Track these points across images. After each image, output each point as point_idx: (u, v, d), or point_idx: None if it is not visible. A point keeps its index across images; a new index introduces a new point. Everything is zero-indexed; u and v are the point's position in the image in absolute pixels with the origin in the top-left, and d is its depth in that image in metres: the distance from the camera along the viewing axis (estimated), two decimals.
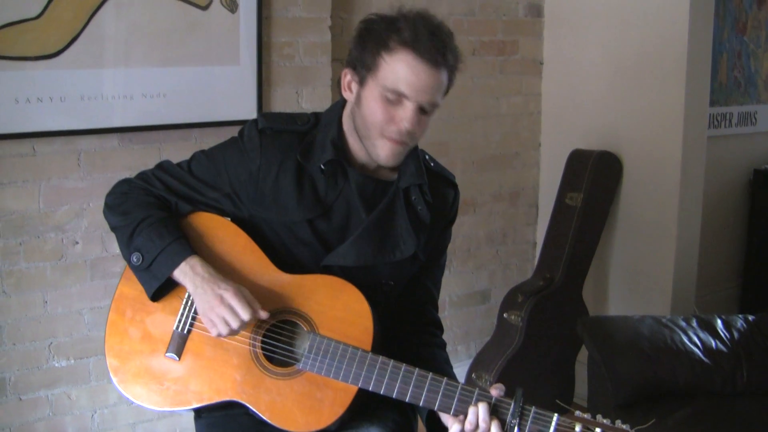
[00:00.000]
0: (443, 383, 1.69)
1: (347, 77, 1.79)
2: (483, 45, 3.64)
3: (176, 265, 1.77)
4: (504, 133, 3.81)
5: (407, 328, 1.96)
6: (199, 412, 1.89)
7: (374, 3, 3.27)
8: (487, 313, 3.87)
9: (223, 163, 1.86)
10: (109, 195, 1.91)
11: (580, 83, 3.74)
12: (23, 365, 2.63)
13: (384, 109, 1.72)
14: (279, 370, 1.77)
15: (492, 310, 3.82)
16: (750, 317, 2.95)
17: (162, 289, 1.81)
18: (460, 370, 3.67)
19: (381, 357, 1.71)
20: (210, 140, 2.55)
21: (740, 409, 2.65)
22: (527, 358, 3.44)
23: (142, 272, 1.80)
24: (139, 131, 2.69)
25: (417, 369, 1.70)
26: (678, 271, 3.47)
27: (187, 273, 1.77)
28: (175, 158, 1.95)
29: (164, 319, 1.84)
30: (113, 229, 1.87)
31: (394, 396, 1.70)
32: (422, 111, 1.74)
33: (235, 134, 1.91)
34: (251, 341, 1.79)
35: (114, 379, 1.83)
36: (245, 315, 1.72)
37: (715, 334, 2.84)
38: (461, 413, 1.67)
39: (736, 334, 2.85)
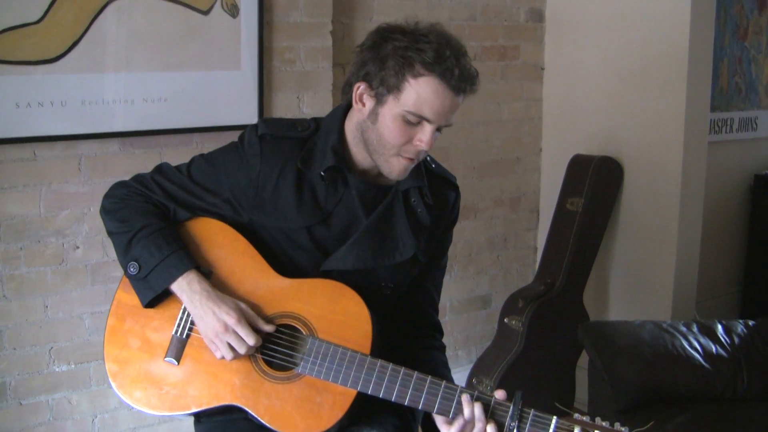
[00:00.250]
0: (442, 387, 1.69)
1: (360, 90, 1.77)
2: (484, 50, 3.65)
3: (174, 278, 1.78)
4: (505, 139, 3.81)
5: (406, 331, 1.96)
6: (198, 417, 1.89)
7: (376, 8, 3.27)
8: (488, 318, 3.87)
9: (222, 168, 1.86)
10: (106, 198, 1.91)
11: (581, 88, 3.75)
12: (24, 370, 2.63)
13: (403, 130, 1.73)
14: (278, 374, 1.77)
15: (493, 315, 3.82)
16: (750, 322, 2.95)
17: (157, 297, 1.81)
18: (461, 375, 3.67)
19: (380, 360, 1.71)
20: (211, 145, 2.56)
21: (741, 415, 2.64)
22: (528, 363, 3.43)
23: (138, 282, 1.81)
24: (140, 136, 2.70)
25: (416, 372, 1.70)
26: (678, 276, 3.47)
27: (184, 289, 1.78)
28: (176, 163, 1.94)
29: (163, 324, 1.84)
30: (110, 234, 1.87)
31: (392, 399, 1.70)
32: (437, 129, 1.75)
33: (236, 139, 1.91)
34: None
35: (113, 384, 1.83)
36: (252, 341, 1.74)
37: (715, 339, 2.83)
38: (460, 416, 1.67)
39: (736, 340, 2.84)
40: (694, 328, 2.86)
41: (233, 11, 2.77)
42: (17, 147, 2.50)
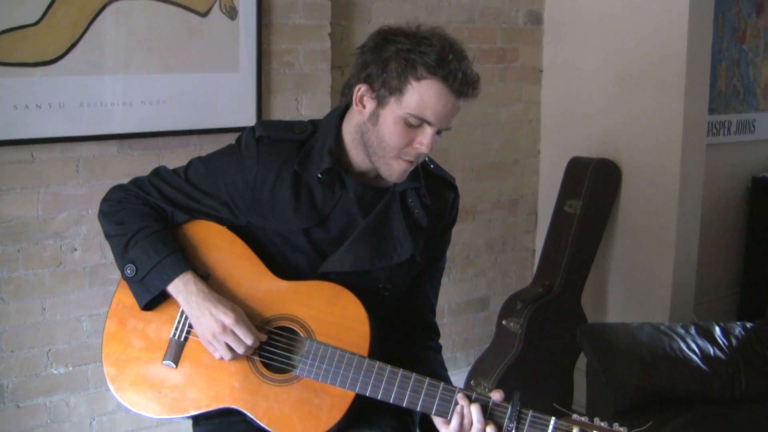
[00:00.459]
0: (440, 388, 1.69)
1: (360, 91, 1.77)
2: (483, 53, 3.65)
3: (170, 280, 1.78)
4: (503, 141, 3.81)
5: (403, 332, 1.96)
6: (197, 420, 1.89)
7: (374, 10, 3.27)
8: (487, 320, 3.87)
9: (220, 170, 1.86)
10: (104, 201, 1.91)
11: (579, 91, 3.75)
12: (21, 372, 2.63)
13: (404, 132, 1.73)
14: (276, 376, 1.77)
15: (491, 317, 3.82)
16: (748, 325, 2.95)
17: (155, 300, 1.81)
18: (459, 378, 3.67)
19: (378, 362, 1.71)
20: (209, 147, 2.54)
21: (738, 417, 2.64)
22: (526, 365, 3.43)
23: (135, 284, 1.81)
24: (138, 138, 2.69)
25: (414, 374, 1.70)
26: (676, 279, 3.47)
27: (180, 290, 1.78)
28: (175, 165, 1.95)
29: (161, 326, 1.84)
30: (108, 237, 1.87)
31: (391, 401, 1.70)
32: (437, 133, 1.76)
33: (233, 142, 1.91)
34: None
35: (111, 388, 1.83)
36: (250, 341, 1.74)
37: (713, 341, 2.84)
38: (458, 417, 1.67)
39: (734, 342, 2.85)
40: (692, 330, 2.87)
41: (232, 13, 2.77)
42: (15, 149, 2.50)
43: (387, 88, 1.72)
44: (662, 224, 3.47)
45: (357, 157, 1.84)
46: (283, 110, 2.97)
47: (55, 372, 2.69)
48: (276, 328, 1.80)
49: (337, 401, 1.73)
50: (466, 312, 3.82)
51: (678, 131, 3.36)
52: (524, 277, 3.97)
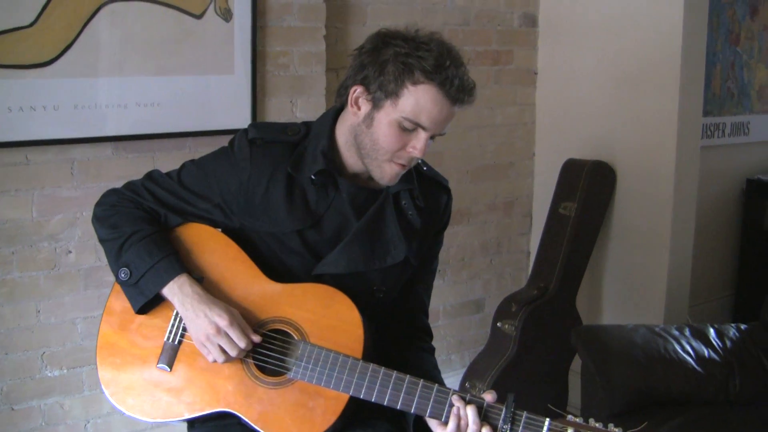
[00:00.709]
0: (434, 390, 1.69)
1: (356, 93, 1.77)
2: (478, 55, 3.65)
3: (164, 283, 1.78)
4: (498, 143, 3.82)
5: (397, 334, 1.97)
6: (192, 423, 1.89)
7: (369, 13, 3.27)
8: (481, 322, 3.87)
9: (213, 173, 1.86)
10: (98, 205, 1.91)
11: (574, 93, 3.75)
12: (16, 375, 2.62)
13: (398, 136, 1.73)
14: (270, 379, 1.77)
15: (486, 319, 3.82)
16: (743, 326, 2.96)
17: (149, 303, 1.81)
18: (454, 380, 3.67)
19: (372, 365, 1.72)
20: (204, 149, 2.54)
21: (733, 418, 2.65)
22: (521, 368, 3.44)
23: (129, 287, 1.80)
24: (133, 140, 2.69)
25: (408, 376, 1.70)
26: (671, 281, 3.48)
27: (175, 292, 1.77)
28: (169, 167, 1.95)
29: (155, 330, 1.83)
30: (102, 241, 1.87)
31: (385, 403, 1.70)
32: (431, 137, 1.76)
33: (226, 144, 1.91)
34: None
35: (106, 392, 1.83)
36: (243, 344, 1.74)
37: (707, 343, 2.84)
38: (453, 419, 1.67)
39: (728, 344, 2.85)
40: (687, 332, 2.87)
41: (226, 15, 2.77)
42: (10, 151, 2.50)
43: (383, 91, 1.72)
44: (657, 226, 3.47)
45: (350, 158, 1.84)
46: (278, 112, 2.97)
47: (49, 374, 2.68)
48: (270, 330, 1.79)
49: (331, 404, 1.73)
50: (461, 314, 3.82)
51: (673, 133, 3.37)
52: (519, 279, 3.98)
